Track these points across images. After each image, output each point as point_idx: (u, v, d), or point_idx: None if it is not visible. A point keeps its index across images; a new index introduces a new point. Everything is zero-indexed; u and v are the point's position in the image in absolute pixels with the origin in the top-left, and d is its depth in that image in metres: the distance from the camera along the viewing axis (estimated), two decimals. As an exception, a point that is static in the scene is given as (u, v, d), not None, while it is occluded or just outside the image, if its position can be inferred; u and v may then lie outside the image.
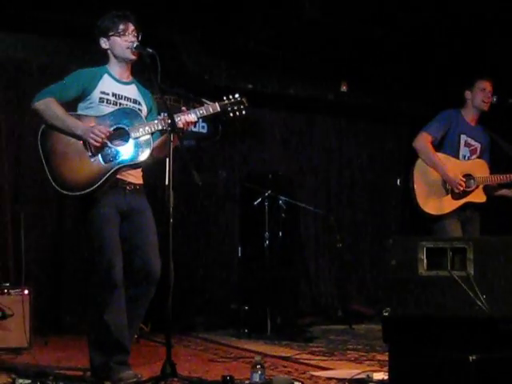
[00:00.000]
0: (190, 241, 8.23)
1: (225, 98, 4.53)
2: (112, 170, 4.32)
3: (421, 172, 5.85)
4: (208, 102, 4.53)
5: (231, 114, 4.52)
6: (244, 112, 4.54)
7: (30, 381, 4.15)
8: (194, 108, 4.51)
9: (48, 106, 4.34)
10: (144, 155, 4.38)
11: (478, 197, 5.82)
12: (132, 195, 4.49)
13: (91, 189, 4.28)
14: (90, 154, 4.32)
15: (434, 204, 5.79)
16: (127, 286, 4.42)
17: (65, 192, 4.31)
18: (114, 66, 4.56)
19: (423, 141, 5.87)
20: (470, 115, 5.99)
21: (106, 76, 4.52)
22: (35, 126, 4.49)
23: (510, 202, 5.99)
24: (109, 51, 4.55)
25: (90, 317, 4.51)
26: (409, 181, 5.84)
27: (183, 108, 4.48)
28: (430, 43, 7.75)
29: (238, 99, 4.53)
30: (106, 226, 4.36)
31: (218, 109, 4.49)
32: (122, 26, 4.47)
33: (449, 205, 5.77)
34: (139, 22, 4.55)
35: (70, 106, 4.45)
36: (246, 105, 4.54)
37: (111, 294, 4.31)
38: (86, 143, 4.31)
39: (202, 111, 4.47)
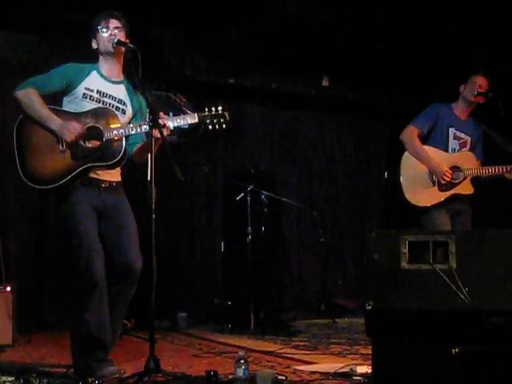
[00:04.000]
0: (173, 236, 8.22)
1: (206, 109, 4.44)
2: (79, 169, 4.32)
3: (407, 164, 5.87)
4: (188, 111, 4.50)
5: (210, 127, 4.45)
6: (224, 126, 4.44)
7: (13, 378, 4.13)
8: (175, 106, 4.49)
9: (28, 95, 4.35)
10: (115, 158, 4.36)
11: (466, 188, 5.83)
12: (107, 193, 4.48)
13: (57, 184, 4.29)
14: (60, 148, 4.32)
15: (421, 196, 5.81)
16: (109, 284, 4.40)
17: (32, 185, 4.33)
18: (103, 64, 4.56)
19: (410, 134, 5.90)
20: (460, 109, 6.01)
21: (94, 73, 4.52)
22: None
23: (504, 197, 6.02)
24: (98, 50, 4.55)
25: (71, 315, 4.50)
26: (395, 173, 5.86)
27: (161, 113, 4.41)
28: (413, 38, 7.76)
29: (220, 112, 4.43)
30: (81, 221, 4.35)
31: (196, 120, 4.42)
32: (103, 22, 4.48)
33: (436, 196, 5.79)
34: (128, 19, 4.55)
35: (56, 98, 4.47)
36: (228, 119, 4.44)
37: (91, 292, 4.29)
38: (58, 137, 4.32)
39: (179, 120, 4.42)
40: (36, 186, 4.35)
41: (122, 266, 4.38)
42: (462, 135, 5.96)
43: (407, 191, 5.80)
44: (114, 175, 4.53)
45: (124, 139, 4.37)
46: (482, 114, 6.01)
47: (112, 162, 4.37)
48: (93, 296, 4.29)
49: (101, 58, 4.56)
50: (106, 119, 4.40)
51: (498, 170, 5.75)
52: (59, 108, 4.46)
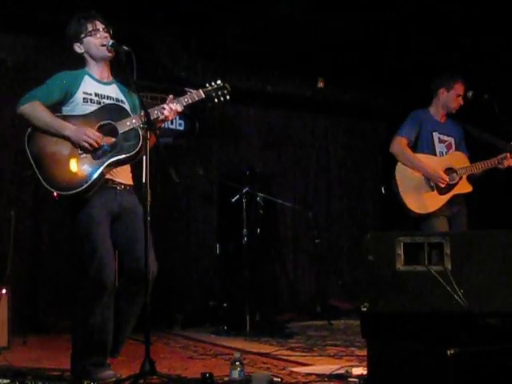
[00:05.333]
0: (168, 238, 8.21)
1: (207, 84, 4.54)
2: (103, 167, 4.28)
3: (402, 175, 5.88)
4: (191, 91, 4.52)
5: (216, 100, 4.54)
6: (228, 97, 4.56)
7: (8, 380, 4.12)
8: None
9: (34, 108, 4.30)
10: (136, 147, 4.32)
11: (464, 187, 5.88)
12: (123, 195, 4.45)
13: (83, 187, 4.23)
14: (79, 152, 4.29)
15: (423, 203, 5.81)
16: (125, 285, 4.40)
17: (59, 192, 4.24)
18: (93, 68, 4.54)
19: (399, 144, 5.92)
20: (438, 113, 6.06)
21: (86, 77, 4.50)
22: (12, 124, 4.46)
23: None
24: (85, 54, 4.52)
25: (75, 318, 4.46)
26: (392, 186, 5.87)
27: (170, 96, 4.44)
28: (407, 39, 7.78)
29: (221, 84, 4.55)
30: (96, 226, 4.31)
31: (203, 95, 4.49)
32: (90, 26, 4.46)
33: (437, 201, 5.81)
34: (107, 18, 4.53)
35: (54, 110, 4.41)
36: (229, 89, 4.56)
37: (99, 297, 4.25)
38: (74, 143, 4.28)
39: (187, 99, 4.47)
40: (63, 193, 4.24)
41: (137, 268, 4.29)
42: (446, 137, 6.01)
43: (408, 202, 5.80)
44: (127, 178, 4.52)
45: (139, 129, 4.35)
46: (476, 115, 6.04)
47: (134, 151, 4.33)
48: (100, 301, 4.26)
49: (90, 61, 4.53)
50: (116, 114, 4.39)
51: (490, 163, 5.82)
52: (65, 114, 4.40)
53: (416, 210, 5.80)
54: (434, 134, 5.97)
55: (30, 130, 4.34)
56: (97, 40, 4.45)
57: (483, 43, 7.51)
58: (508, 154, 5.77)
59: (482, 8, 6.96)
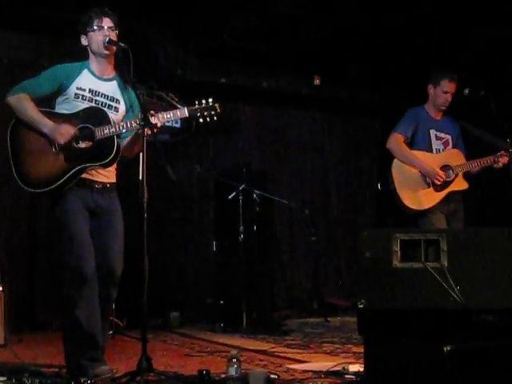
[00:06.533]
0: (165, 236, 8.21)
1: (197, 102, 4.41)
2: (73, 170, 4.33)
3: (399, 171, 5.88)
4: (178, 106, 4.51)
5: (201, 120, 4.40)
6: (215, 118, 4.40)
7: (5, 378, 4.12)
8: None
9: (19, 101, 4.38)
10: (108, 157, 4.36)
11: (460, 184, 5.88)
12: (100, 194, 4.48)
13: (53, 186, 4.31)
14: (53, 151, 4.35)
15: (418, 199, 5.82)
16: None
17: (28, 189, 4.36)
18: (94, 62, 4.55)
19: (396, 141, 5.92)
20: (433, 110, 6.06)
21: (85, 71, 4.52)
22: (7, 120, 4.47)
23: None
24: (88, 48, 4.54)
25: (63, 313, 4.49)
26: (389, 183, 5.87)
27: (151, 112, 4.38)
28: (402, 35, 7.77)
29: (210, 105, 4.39)
30: (74, 220, 4.36)
31: (186, 114, 4.38)
32: (96, 22, 4.47)
33: (433, 198, 5.81)
34: (120, 18, 4.54)
35: (48, 99, 4.46)
36: (219, 111, 4.40)
37: (81, 288, 4.29)
38: (51, 140, 4.34)
39: (169, 115, 4.39)
40: (31, 190, 4.37)
41: (104, 267, 4.39)
42: (443, 135, 6.02)
43: (404, 198, 5.80)
44: (108, 176, 4.53)
45: (116, 137, 4.37)
46: (473, 112, 6.05)
47: (105, 160, 4.38)
48: (83, 292, 4.30)
49: (92, 56, 4.55)
50: (98, 119, 4.39)
51: (486, 161, 5.83)
52: (51, 110, 4.46)
53: (412, 206, 5.81)
54: (431, 131, 5.98)
55: (14, 120, 4.41)
56: (98, 37, 4.45)
57: (479, 40, 7.51)
58: (504, 152, 5.78)
59: (475, 5, 6.97)
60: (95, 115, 4.42)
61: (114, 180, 4.58)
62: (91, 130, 4.36)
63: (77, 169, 4.33)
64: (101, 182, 4.48)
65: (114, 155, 4.38)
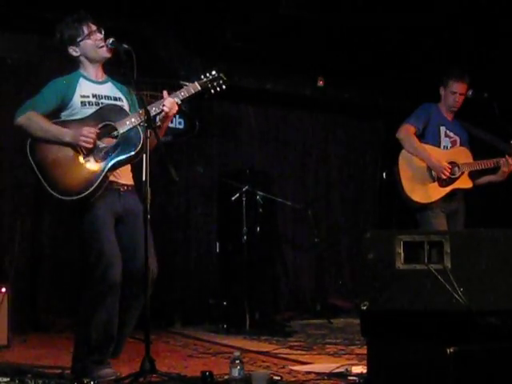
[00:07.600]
0: (168, 237, 8.21)
1: (202, 76, 4.53)
2: (107, 168, 4.29)
3: (406, 162, 5.90)
4: (187, 84, 4.51)
5: (212, 91, 4.52)
6: (224, 86, 4.54)
7: (8, 379, 4.12)
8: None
9: (31, 119, 4.30)
10: (137, 147, 4.32)
11: (465, 183, 5.90)
12: (126, 197, 4.47)
13: (89, 191, 4.24)
14: (82, 156, 4.29)
15: (421, 192, 5.84)
16: (126, 287, 4.37)
17: (65, 198, 4.24)
18: (88, 69, 4.54)
19: (406, 131, 5.94)
20: (445, 110, 6.09)
21: (81, 80, 4.50)
22: (12, 123, 4.43)
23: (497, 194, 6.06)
24: (81, 57, 4.52)
25: (80, 317, 4.45)
26: (394, 172, 5.89)
27: (164, 93, 4.43)
28: (406, 37, 7.77)
29: (216, 75, 4.53)
30: (102, 227, 4.32)
31: (199, 87, 4.48)
32: (86, 29, 4.46)
33: (436, 192, 5.83)
34: (106, 15, 4.55)
35: (54, 116, 4.40)
36: (225, 79, 4.54)
37: (105, 295, 4.26)
38: (76, 148, 4.29)
39: (183, 93, 4.45)
40: (68, 198, 4.24)
41: (139, 270, 4.27)
42: (452, 134, 6.06)
43: (408, 189, 5.83)
44: (128, 179, 4.53)
45: (140, 127, 4.34)
46: (475, 115, 6.05)
47: (136, 150, 4.31)
48: (106, 300, 4.27)
49: (86, 63, 4.53)
50: (115, 114, 4.39)
51: (492, 163, 5.84)
52: (66, 119, 4.40)
53: (415, 199, 5.82)
54: (441, 127, 6.01)
55: (29, 140, 4.33)
56: (95, 42, 4.46)
57: (483, 41, 7.51)
58: (507, 157, 5.78)
59: (480, 6, 6.97)
60: (110, 112, 4.40)
61: (132, 182, 4.58)
62: (112, 126, 4.34)
63: (109, 166, 4.29)
64: (125, 185, 4.48)
65: (142, 144, 4.29)
